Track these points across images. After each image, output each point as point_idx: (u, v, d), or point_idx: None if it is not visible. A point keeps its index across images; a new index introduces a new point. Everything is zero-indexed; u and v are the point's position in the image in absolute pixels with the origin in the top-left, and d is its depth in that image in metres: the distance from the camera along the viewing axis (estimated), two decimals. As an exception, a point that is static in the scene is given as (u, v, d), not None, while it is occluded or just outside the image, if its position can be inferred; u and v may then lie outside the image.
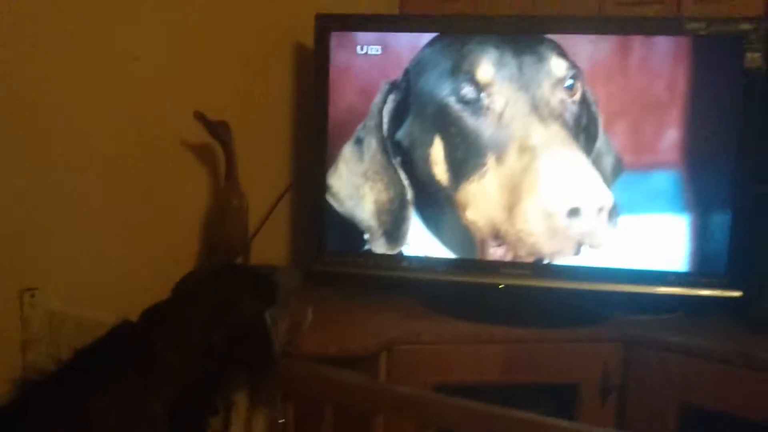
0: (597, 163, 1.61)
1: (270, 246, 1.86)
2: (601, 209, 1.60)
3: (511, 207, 1.62)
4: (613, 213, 1.61)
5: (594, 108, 1.62)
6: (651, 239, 1.63)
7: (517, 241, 1.64)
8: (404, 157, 1.69)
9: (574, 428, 1.05)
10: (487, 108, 1.63)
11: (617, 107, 1.62)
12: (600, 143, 1.62)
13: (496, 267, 1.67)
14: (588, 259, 1.63)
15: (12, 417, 1.03)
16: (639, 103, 1.62)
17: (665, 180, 1.61)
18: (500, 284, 1.68)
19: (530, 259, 1.65)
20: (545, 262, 1.65)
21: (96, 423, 1.00)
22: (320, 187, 1.74)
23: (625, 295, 1.64)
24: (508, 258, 1.66)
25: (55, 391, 1.04)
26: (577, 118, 1.62)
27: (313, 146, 1.75)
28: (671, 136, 1.60)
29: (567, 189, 1.60)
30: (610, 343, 1.59)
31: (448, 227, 1.70)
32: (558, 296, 1.68)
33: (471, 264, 1.69)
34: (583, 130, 1.62)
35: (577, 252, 1.63)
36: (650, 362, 1.56)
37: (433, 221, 1.71)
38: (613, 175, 1.62)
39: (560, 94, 1.61)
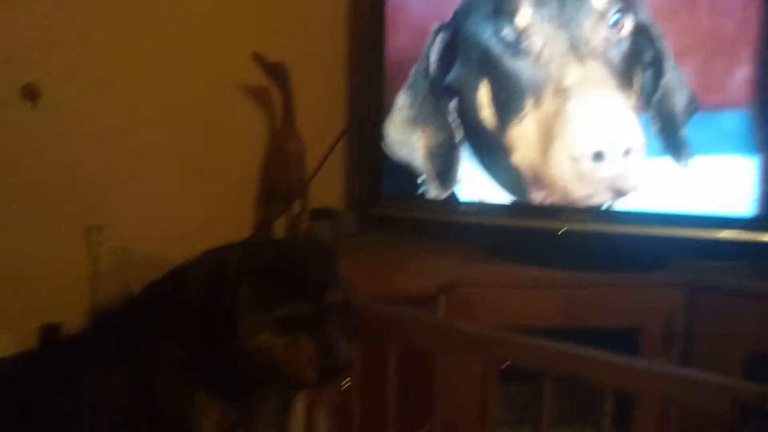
0: (665, 101, 1.56)
1: (326, 190, 1.86)
2: (627, 152, 1.56)
3: (545, 151, 1.61)
4: (685, 153, 1.57)
5: (659, 42, 1.56)
6: (718, 181, 1.57)
7: (551, 186, 1.63)
8: (455, 100, 1.68)
9: (642, 366, 1.03)
10: (526, 49, 1.60)
11: (686, 43, 1.55)
12: (669, 79, 1.56)
13: (557, 211, 1.64)
14: (651, 202, 1.60)
15: (79, 350, 1.09)
16: (708, 39, 1.54)
17: (734, 119, 1.54)
18: (561, 228, 1.65)
19: (591, 203, 1.62)
20: (606, 206, 1.62)
21: (147, 366, 1.03)
22: (376, 130, 1.72)
23: (690, 241, 1.60)
24: (548, 202, 1.64)
25: (115, 332, 1.07)
26: (630, 55, 1.56)
27: (369, 87, 1.73)
28: (742, 74, 1.53)
29: (593, 132, 1.57)
30: (674, 288, 1.55)
31: (499, 170, 1.68)
32: (620, 241, 1.64)
33: (530, 208, 1.66)
34: (648, 65, 1.56)
35: (615, 197, 1.60)
36: (715, 308, 1.53)
37: (486, 164, 1.69)
38: (687, 113, 1.56)
39: (603, 31, 1.56)
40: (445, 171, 1.70)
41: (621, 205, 1.61)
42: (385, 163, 1.72)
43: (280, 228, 1.71)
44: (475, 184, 1.69)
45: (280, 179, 1.66)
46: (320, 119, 1.83)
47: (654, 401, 1.05)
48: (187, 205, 1.56)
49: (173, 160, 1.54)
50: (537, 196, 1.65)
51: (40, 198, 1.33)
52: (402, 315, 1.17)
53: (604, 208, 1.62)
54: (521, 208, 1.67)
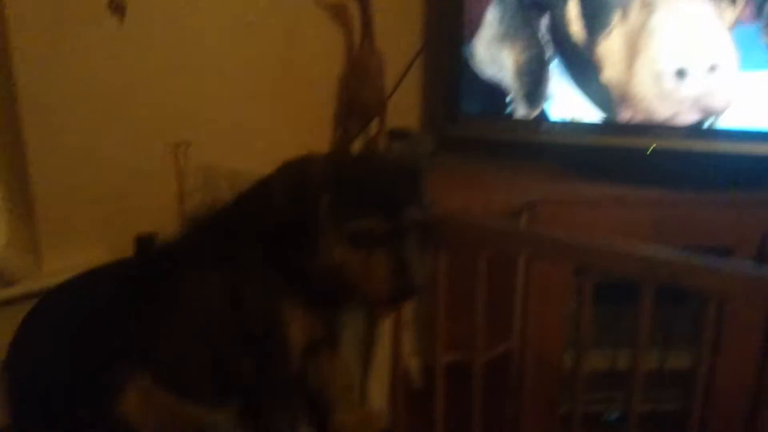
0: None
1: (401, 110, 1.83)
2: (713, 68, 1.49)
3: (630, 68, 1.55)
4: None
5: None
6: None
7: (638, 104, 1.56)
8: (544, 15, 1.60)
9: (750, 271, 0.99)
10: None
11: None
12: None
13: (646, 128, 1.58)
14: (747, 119, 1.52)
15: (175, 257, 1.14)
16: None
17: None
18: (650, 146, 1.58)
19: (676, 122, 1.55)
20: (701, 122, 1.54)
21: (237, 274, 1.05)
22: (457, 46, 1.67)
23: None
24: (636, 120, 1.58)
25: (208, 241, 1.11)
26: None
27: (449, 1, 1.66)
28: None
29: (676, 47, 1.50)
30: (770, 207, 1.50)
31: (589, 87, 1.61)
32: (714, 159, 1.57)
33: (618, 126, 1.60)
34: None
35: (704, 116, 1.53)
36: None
37: (576, 80, 1.62)
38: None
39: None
40: (535, 89, 1.64)
41: (714, 122, 1.54)
42: (467, 81, 1.67)
43: (357, 148, 1.70)
44: (564, 102, 1.63)
45: (358, 96, 1.64)
46: (396, 36, 1.79)
47: (759, 308, 1.01)
48: (268, 122, 1.57)
49: (254, 77, 1.54)
50: (625, 114, 1.59)
51: (129, 114, 1.35)
52: (494, 224, 1.15)
53: (696, 125, 1.55)
54: (609, 126, 1.61)
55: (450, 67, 1.69)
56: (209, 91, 1.46)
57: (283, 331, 1.05)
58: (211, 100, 1.46)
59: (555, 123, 1.64)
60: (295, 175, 1.00)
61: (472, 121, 1.70)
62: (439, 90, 1.82)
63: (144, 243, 1.26)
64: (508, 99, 1.66)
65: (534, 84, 1.64)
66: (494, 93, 1.66)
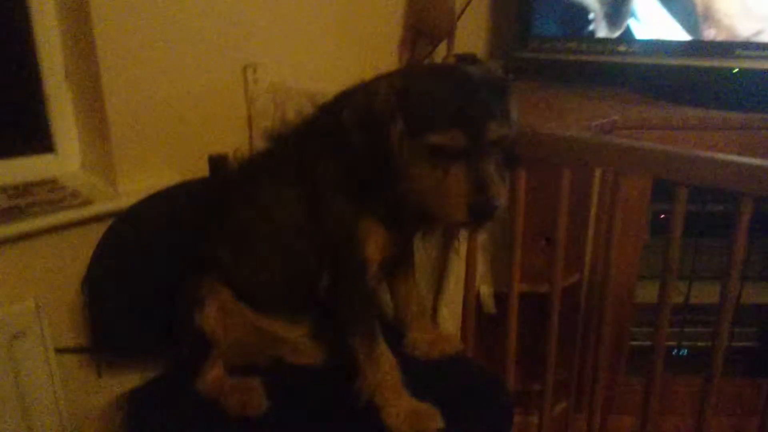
0: None
1: (468, 36, 1.76)
2: None
3: None
4: None
5: None
6: None
7: (720, 21, 1.48)
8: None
9: None
10: None
11: None
12: None
13: (730, 48, 1.49)
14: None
15: (254, 170, 1.15)
16: None
17: None
18: (734, 68, 1.50)
19: (760, 40, 1.46)
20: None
21: (317, 187, 1.04)
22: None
23: None
24: (720, 39, 1.49)
25: (286, 156, 1.10)
26: None
27: None
28: None
29: None
30: None
31: (675, 4, 1.52)
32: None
33: (703, 45, 1.51)
34: None
35: None
36: None
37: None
38: None
39: None
40: (618, 7, 1.56)
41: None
42: (542, 1, 1.59)
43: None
44: (648, 21, 1.55)
45: (426, 17, 1.58)
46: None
47: None
48: (336, 42, 1.53)
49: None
50: (709, 33, 1.50)
51: (200, 37, 1.33)
52: (581, 136, 1.10)
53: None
54: (692, 45, 1.52)
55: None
56: (277, 12, 1.43)
57: (359, 246, 1.03)
58: (279, 21, 1.43)
59: (637, 42, 1.56)
60: (362, 107, 0.95)
61: (546, 43, 1.63)
62: (511, 11, 1.74)
63: (217, 163, 1.25)
64: (589, 18, 1.58)
65: (618, 2, 1.55)
66: (572, 13, 1.58)
